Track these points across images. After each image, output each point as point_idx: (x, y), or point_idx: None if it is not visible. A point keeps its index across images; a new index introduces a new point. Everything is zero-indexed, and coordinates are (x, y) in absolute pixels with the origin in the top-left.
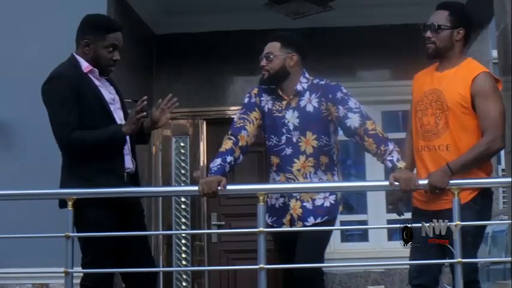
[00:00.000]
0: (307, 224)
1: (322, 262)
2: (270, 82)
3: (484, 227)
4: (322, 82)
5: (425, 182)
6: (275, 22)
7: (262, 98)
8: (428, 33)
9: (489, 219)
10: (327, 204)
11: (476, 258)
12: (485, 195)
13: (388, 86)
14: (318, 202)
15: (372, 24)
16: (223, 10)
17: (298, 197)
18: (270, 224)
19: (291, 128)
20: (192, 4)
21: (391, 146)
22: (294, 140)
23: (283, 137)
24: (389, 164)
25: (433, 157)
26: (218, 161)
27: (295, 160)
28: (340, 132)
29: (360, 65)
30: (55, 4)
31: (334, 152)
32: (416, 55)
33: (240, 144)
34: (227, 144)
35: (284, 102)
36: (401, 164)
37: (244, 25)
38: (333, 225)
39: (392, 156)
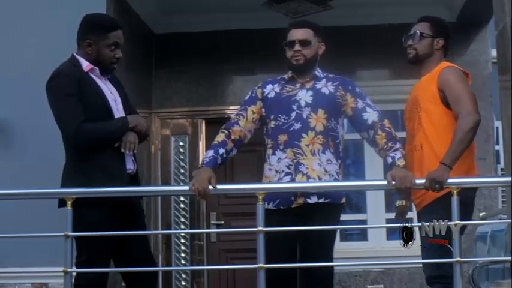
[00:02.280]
0: (309, 201)
1: (332, 261)
2: (305, 68)
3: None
4: (340, 76)
5: (422, 181)
6: (274, 21)
7: (265, 89)
8: (410, 41)
9: (470, 218)
10: None
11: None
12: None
13: (387, 86)
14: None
15: (371, 23)
16: (222, 9)
17: (304, 173)
18: (274, 208)
19: (303, 104)
20: (191, 3)
21: (398, 145)
22: (304, 116)
23: (293, 113)
24: (390, 160)
25: (412, 158)
26: (210, 152)
27: (304, 135)
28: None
29: (359, 64)
30: (54, 4)
31: (340, 144)
32: None
33: (232, 137)
34: (219, 137)
35: (298, 85)
36: (400, 162)
37: (243, 24)
38: (336, 212)
39: (395, 154)
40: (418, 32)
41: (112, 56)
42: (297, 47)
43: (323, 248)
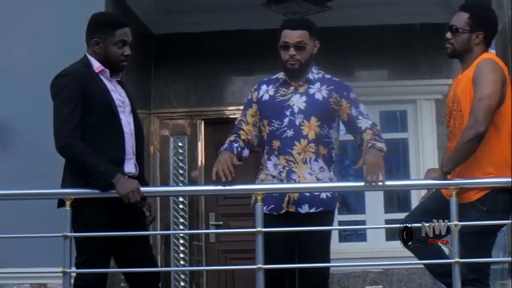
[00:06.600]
0: (301, 210)
1: (329, 261)
2: (299, 73)
3: (492, 227)
4: (336, 79)
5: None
6: (273, 22)
7: (260, 90)
8: (448, 34)
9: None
10: (323, 196)
11: (482, 257)
12: (497, 196)
13: (386, 86)
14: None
15: (369, 24)
16: (221, 10)
17: (296, 181)
18: (267, 212)
19: (296, 110)
20: (190, 4)
21: (381, 143)
22: (297, 122)
23: (286, 119)
24: (369, 145)
25: None
26: (225, 145)
27: (296, 143)
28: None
29: (358, 64)
30: (55, 4)
31: (334, 148)
32: (414, 55)
33: (242, 137)
34: (230, 137)
35: (291, 88)
36: (378, 144)
37: (242, 25)
38: (329, 218)
39: (375, 142)
40: (454, 26)
41: (120, 54)
42: (292, 51)
43: (319, 250)
